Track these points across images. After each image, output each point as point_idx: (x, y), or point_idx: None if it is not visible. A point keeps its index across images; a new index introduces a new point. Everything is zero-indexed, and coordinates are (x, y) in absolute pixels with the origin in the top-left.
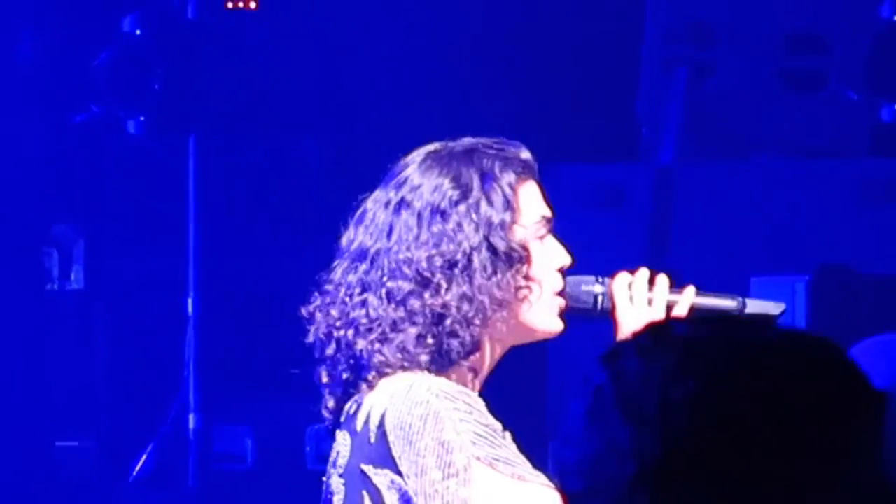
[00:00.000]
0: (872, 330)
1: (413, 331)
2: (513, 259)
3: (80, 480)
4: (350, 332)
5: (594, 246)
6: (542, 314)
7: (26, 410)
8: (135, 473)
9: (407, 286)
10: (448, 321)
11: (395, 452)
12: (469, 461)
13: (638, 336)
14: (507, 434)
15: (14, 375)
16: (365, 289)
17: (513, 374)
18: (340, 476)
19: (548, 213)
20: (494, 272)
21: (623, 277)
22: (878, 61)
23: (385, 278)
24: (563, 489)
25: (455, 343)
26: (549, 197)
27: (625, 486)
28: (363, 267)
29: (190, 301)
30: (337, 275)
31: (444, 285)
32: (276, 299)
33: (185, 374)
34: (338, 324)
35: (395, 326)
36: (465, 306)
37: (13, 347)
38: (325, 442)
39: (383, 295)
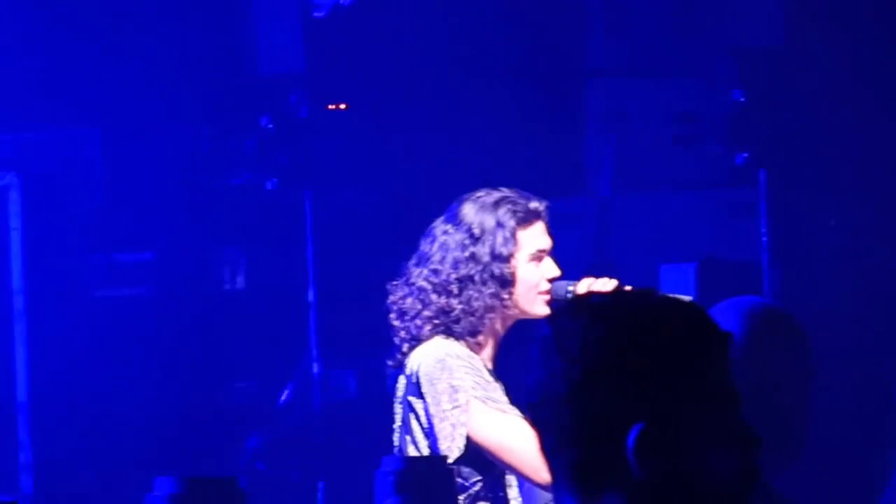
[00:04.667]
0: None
1: (426, 314)
2: (504, 281)
3: (247, 408)
4: (393, 316)
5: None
6: (530, 306)
7: (212, 363)
8: (281, 402)
9: (430, 288)
10: (453, 314)
11: (424, 389)
12: (469, 398)
13: (569, 303)
14: (499, 386)
15: (203, 340)
16: (413, 279)
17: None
18: (399, 403)
19: (542, 245)
20: (488, 288)
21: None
22: (732, 127)
23: (421, 280)
24: (523, 401)
25: (459, 328)
26: None
27: (559, 399)
28: (417, 269)
29: (310, 293)
30: (409, 264)
31: (455, 292)
32: (369, 294)
33: (309, 339)
34: (393, 310)
35: (418, 314)
36: (468, 307)
37: (203, 323)
38: (395, 374)
39: (417, 290)
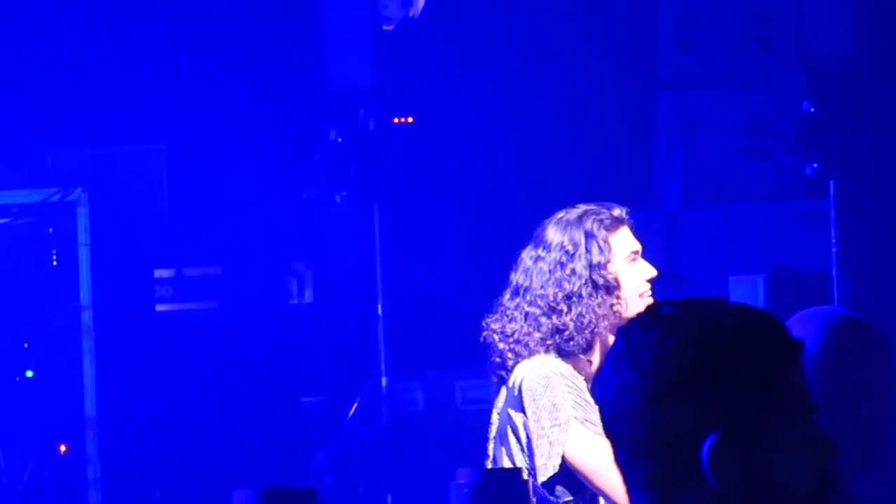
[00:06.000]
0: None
1: (537, 336)
2: (609, 288)
3: (315, 422)
4: (498, 337)
5: None
6: (635, 309)
7: (280, 377)
8: (350, 416)
9: (539, 311)
10: (566, 333)
11: (525, 404)
12: (569, 418)
13: (639, 315)
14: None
15: (271, 355)
16: (514, 312)
17: None
18: (497, 413)
19: (634, 247)
20: (596, 299)
21: None
22: (802, 138)
23: (526, 306)
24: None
25: (572, 345)
26: None
27: (633, 412)
28: (516, 300)
29: (379, 306)
30: (503, 300)
31: (565, 310)
32: (436, 307)
33: (378, 352)
34: (495, 335)
35: (527, 335)
36: (580, 322)
37: (271, 337)
38: (468, 392)
39: (524, 316)
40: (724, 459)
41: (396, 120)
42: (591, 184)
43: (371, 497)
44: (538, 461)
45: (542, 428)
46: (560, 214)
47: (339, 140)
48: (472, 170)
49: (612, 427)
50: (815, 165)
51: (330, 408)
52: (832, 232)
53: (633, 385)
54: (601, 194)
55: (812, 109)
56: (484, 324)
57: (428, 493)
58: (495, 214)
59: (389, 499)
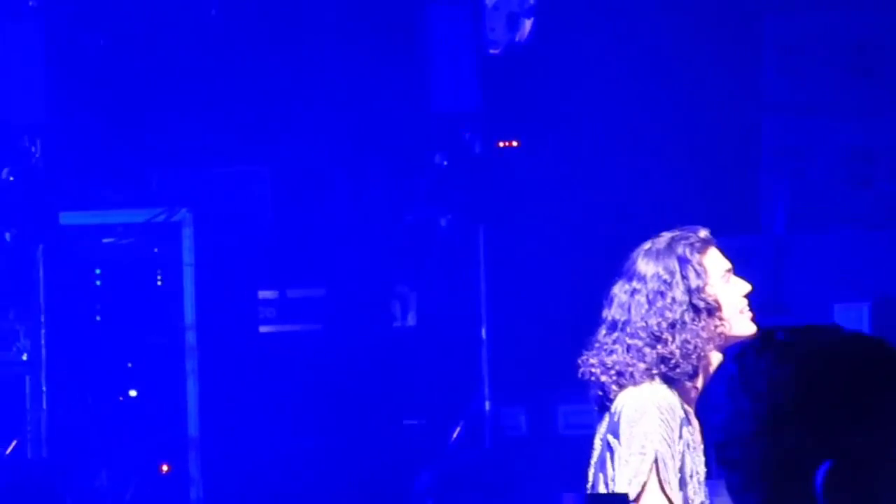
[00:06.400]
0: None
1: (642, 366)
2: (710, 310)
3: (418, 445)
4: (599, 370)
5: None
6: (738, 326)
7: (383, 399)
8: (452, 439)
9: (642, 343)
10: (672, 361)
11: (622, 430)
12: (654, 450)
13: (754, 341)
14: (695, 427)
15: (374, 377)
16: (613, 345)
17: None
18: (599, 439)
19: (727, 265)
20: (699, 323)
21: None
22: None
23: (627, 339)
24: (711, 441)
25: (678, 371)
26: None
27: (747, 438)
28: (614, 334)
29: (483, 330)
30: (599, 337)
31: (670, 339)
32: (540, 331)
33: (481, 376)
34: (593, 369)
35: (630, 366)
36: (686, 348)
37: (374, 359)
38: (570, 417)
39: (625, 349)
40: (838, 487)
41: (502, 143)
42: (696, 209)
43: None
44: (619, 489)
45: (631, 454)
46: (647, 245)
47: (445, 163)
48: (576, 194)
49: (726, 454)
50: None
51: (433, 431)
52: None
53: (748, 412)
54: (706, 220)
55: None
56: (580, 361)
57: None
58: (599, 238)
59: None
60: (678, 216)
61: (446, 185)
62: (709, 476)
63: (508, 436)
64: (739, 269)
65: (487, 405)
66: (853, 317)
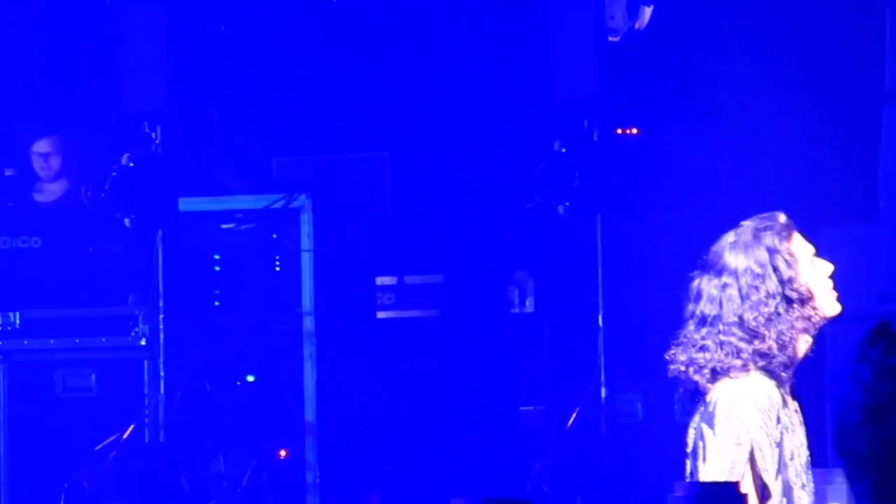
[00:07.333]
0: None
1: (738, 363)
2: (804, 300)
3: (534, 431)
4: (692, 370)
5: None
6: (828, 309)
7: (501, 385)
8: (568, 425)
9: (736, 338)
10: (770, 354)
11: (717, 421)
12: (750, 440)
13: (869, 332)
14: (794, 408)
15: (491, 363)
16: (703, 341)
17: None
18: (693, 429)
19: (811, 249)
20: (793, 314)
21: None
22: None
23: (720, 335)
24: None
25: (775, 363)
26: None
27: (854, 428)
28: (704, 330)
29: (600, 317)
30: (686, 333)
31: (766, 333)
32: (657, 318)
33: (598, 363)
34: (683, 367)
35: (724, 363)
36: (782, 340)
37: (492, 345)
38: (685, 405)
39: (718, 346)
40: None
41: (620, 131)
42: (814, 197)
43: None
44: (714, 476)
45: (728, 444)
46: (730, 238)
47: (563, 150)
48: (694, 181)
49: (839, 444)
50: None
51: (549, 417)
52: None
53: (855, 402)
54: (824, 208)
55: None
56: (668, 357)
57: None
58: (717, 225)
59: None
60: (797, 205)
61: (565, 172)
62: (825, 463)
63: (624, 423)
64: (857, 257)
65: (603, 392)
66: None
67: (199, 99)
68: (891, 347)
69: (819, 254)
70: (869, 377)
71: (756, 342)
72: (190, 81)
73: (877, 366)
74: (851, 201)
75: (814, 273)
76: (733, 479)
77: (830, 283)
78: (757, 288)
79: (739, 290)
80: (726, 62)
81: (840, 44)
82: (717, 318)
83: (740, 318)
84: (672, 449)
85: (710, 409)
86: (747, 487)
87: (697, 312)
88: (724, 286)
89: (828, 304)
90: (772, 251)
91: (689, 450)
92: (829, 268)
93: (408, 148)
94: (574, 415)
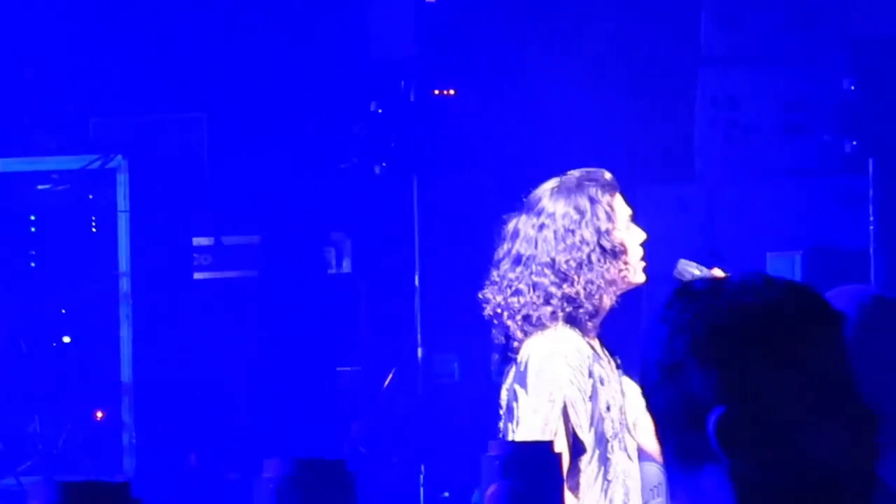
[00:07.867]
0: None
1: (548, 310)
2: (616, 253)
3: (350, 393)
4: (506, 314)
5: (669, 244)
6: (634, 274)
7: (318, 346)
8: (385, 386)
9: (548, 281)
10: (577, 300)
11: (529, 379)
12: (562, 396)
13: (674, 290)
14: (609, 363)
15: (310, 323)
16: (517, 283)
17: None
18: (506, 390)
19: (629, 211)
20: (604, 265)
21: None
22: (842, 115)
23: (533, 276)
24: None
25: (581, 312)
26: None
27: (654, 387)
28: (518, 269)
29: (416, 278)
30: (500, 272)
31: (576, 278)
32: (470, 277)
33: (414, 324)
34: (499, 309)
35: (536, 308)
36: (590, 288)
37: (309, 306)
38: (498, 366)
39: (531, 287)
40: (736, 432)
41: (437, 92)
42: (631, 157)
43: (405, 467)
44: (528, 433)
45: (540, 402)
46: (553, 183)
47: (380, 111)
48: (510, 142)
49: (648, 403)
50: (854, 143)
51: (366, 378)
52: (870, 209)
53: (654, 361)
54: (641, 168)
55: (853, 87)
56: (481, 296)
57: (462, 465)
58: (531, 186)
59: (423, 469)
60: (615, 164)
61: (381, 132)
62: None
63: (441, 383)
64: (674, 217)
65: (420, 352)
66: (786, 265)
67: (14, 58)
68: (688, 305)
69: (637, 213)
70: (665, 335)
71: (565, 286)
72: (6, 40)
73: (673, 324)
74: (669, 161)
75: (629, 235)
76: (546, 436)
77: (641, 252)
78: (573, 232)
79: (555, 232)
80: (543, 25)
81: (657, 10)
82: (532, 258)
83: (553, 259)
84: (488, 409)
85: (522, 368)
86: (560, 444)
87: (513, 252)
88: (542, 227)
89: (635, 270)
90: (593, 200)
91: (502, 411)
92: (641, 235)
93: (224, 109)
94: (391, 375)
